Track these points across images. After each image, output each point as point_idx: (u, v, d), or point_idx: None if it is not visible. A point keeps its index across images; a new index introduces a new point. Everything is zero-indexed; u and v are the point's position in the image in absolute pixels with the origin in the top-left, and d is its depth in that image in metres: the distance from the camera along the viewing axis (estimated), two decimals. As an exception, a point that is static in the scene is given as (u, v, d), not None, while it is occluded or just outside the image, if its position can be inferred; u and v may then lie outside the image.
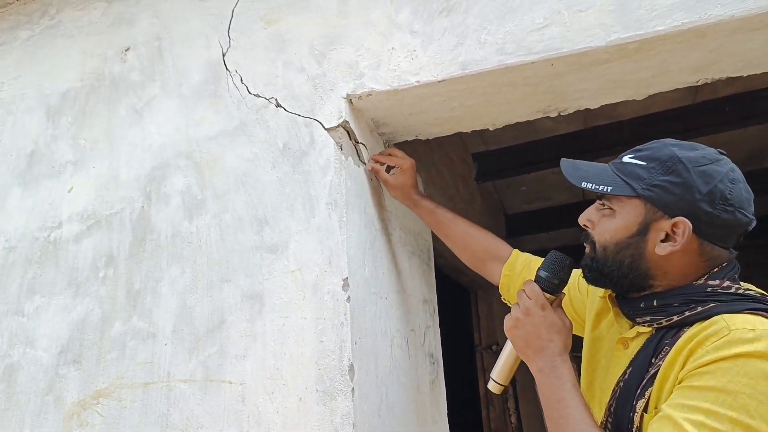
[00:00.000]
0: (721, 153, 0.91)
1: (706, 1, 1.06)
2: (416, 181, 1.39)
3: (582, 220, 0.98)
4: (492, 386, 1.02)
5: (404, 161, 1.35)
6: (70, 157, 1.45)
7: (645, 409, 0.83)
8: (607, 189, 0.90)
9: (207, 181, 1.29)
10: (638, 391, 0.84)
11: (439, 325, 1.73)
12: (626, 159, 0.93)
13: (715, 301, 0.84)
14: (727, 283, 0.86)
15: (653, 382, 0.83)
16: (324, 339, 1.11)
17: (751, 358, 0.74)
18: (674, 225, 0.87)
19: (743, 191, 0.88)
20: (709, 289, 0.86)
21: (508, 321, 0.96)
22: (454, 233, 1.35)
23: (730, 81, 1.26)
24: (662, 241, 0.88)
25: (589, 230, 0.97)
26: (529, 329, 0.92)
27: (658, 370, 0.83)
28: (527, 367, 0.94)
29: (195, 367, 1.17)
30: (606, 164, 0.96)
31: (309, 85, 1.29)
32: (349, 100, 1.26)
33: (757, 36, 1.10)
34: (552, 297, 0.96)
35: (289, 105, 1.28)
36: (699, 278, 0.88)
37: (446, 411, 1.62)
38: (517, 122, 1.44)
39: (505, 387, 1.03)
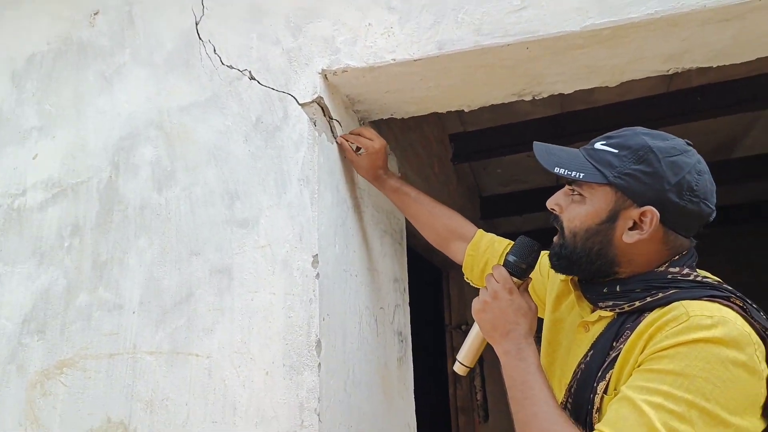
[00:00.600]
0: (689, 144, 0.93)
1: (680, -9, 1.07)
2: (385, 162, 1.38)
3: (550, 203, 1.00)
4: (458, 368, 1.04)
5: (373, 143, 1.34)
6: (35, 123, 1.41)
7: (605, 391, 0.85)
8: (580, 175, 0.91)
9: (177, 152, 1.27)
10: (599, 373, 0.87)
11: (410, 303, 1.75)
12: (598, 146, 0.94)
13: (675, 287, 0.87)
14: (686, 271, 0.90)
15: (614, 364, 0.85)
16: (292, 315, 1.11)
17: (708, 343, 0.77)
18: (642, 214, 0.89)
19: (708, 183, 0.90)
20: (669, 276, 0.89)
21: (475, 304, 0.97)
22: (419, 211, 1.36)
23: (703, 71, 1.29)
24: (630, 229, 0.90)
25: (558, 214, 0.99)
26: (496, 312, 0.94)
27: (619, 353, 0.85)
28: (493, 347, 0.96)
29: (162, 340, 1.16)
30: (577, 149, 0.97)
31: (284, 59, 1.27)
32: (324, 75, 1.25)
33: (728, 27, 1.12)
34: (519, 281, 0.98)
35: (263, 78, 1.26)
36: (660, 265, 0.91)
37: (413, 388, 1.65)
38: (493, 104, 1.44)
39: (471, 369, 1.05)
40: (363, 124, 1.49)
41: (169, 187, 1.26)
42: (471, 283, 1.36)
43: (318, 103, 1.24)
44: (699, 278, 0.89)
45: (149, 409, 1.13)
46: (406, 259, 1.76)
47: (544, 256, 1.11)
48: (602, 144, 0.94)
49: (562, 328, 1.03)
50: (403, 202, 1.38)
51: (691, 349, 0.77)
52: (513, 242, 1.28)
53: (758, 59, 1.24)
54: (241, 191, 1.21)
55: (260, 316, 1.13)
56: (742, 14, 1.09)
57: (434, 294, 3.93)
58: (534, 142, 1.00)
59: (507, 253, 1.00)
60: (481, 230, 1.33)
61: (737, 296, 0.85)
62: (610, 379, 0.85)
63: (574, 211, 0.95)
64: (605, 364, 0.87)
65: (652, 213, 0.88)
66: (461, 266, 1.34)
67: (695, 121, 3.29)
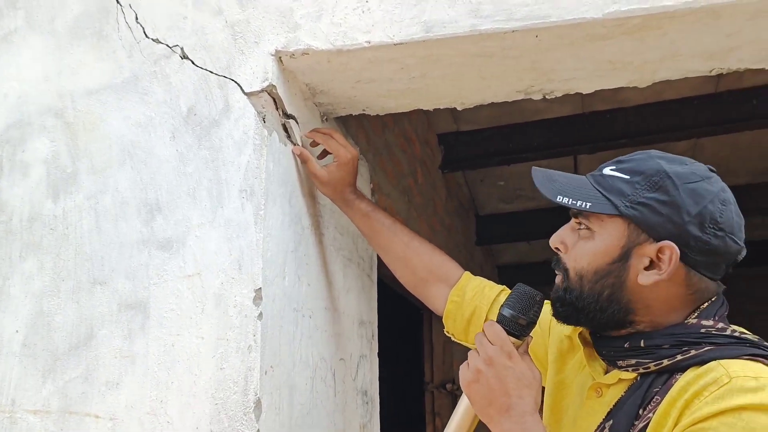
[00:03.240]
0: (712, 170, 0.99)
1: (724, -24, 1.14)
2: (356, 178, 1.42)
3: (554, 242, 1.05)
4: None
5: (344, 151, 1.37)
6: None
7: None
8: (586, 205, 0.97)
9: (82, 149, 1.29)
10: None
11: (380, 354, 1.78)
12: (607, 171, 1.01)
13: (709, 343, 0.92)
14: (721, 325, 0.95)
15: None
16: (225, 366, 1.12)
17: (756, 411, 0.82)
18: (660, 250, 0.95)
19: (734, 214, 0.97)
20: (702, 330, 0.94)
21: (465, 373, 0.97)
22: (392, 244, 1.39)
23: (756, 70, 1.36)
24: (645, 268, 0.96)
25: (561, 254, 1.04)
26: (492, 383, 0.94)
27: (648, 423, 0.89)
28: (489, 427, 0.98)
29: (50, 395, 1.16)
30: (584, 176, 1.04)
31: (227, 34, 1.30)
32: (279, 58, 1.28)
33: (783, 22, 1.19)
34: (518, 341, 0.99)
35: (199, 58, 1.29)
36: (687, 315, 0.96)
37: (379, 464, 1.67)
38: (493, 102, 1.50)
39: None
40: (326, 121, 1.52)
41: (69, 194, 1.26)
42: (453, 338, 1.40)
43: (269, 93, 1.26)
44: (736, 333, 0.94)
45: (29, 487, 1.12)
46: (376, 296, 1.79)
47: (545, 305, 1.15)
48: (612, 169, 1.01)
49: (569, 393, 1.07)
50: (373, 231, 1.41)
51: (737, 420, 0.81)
52: (507, 288, 1.32)
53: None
54: (164, 203, 1.23)
55: (182, 366, 1.14)
56: (801, 7, 1.16)
57: (412, 342, 3.96)
58: (533, 167, 1.06)
59: (502, 306, 1.02)
60: (468, 273, 1.37)
61: None
62: None
63: (581, 249, 1.01)
64: None
65: (671, 249, 0.94)
66: (442, 316, 1.38)
67: (747, 131, 3.43)
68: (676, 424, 0.87)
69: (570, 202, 0.98)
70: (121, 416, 1.13)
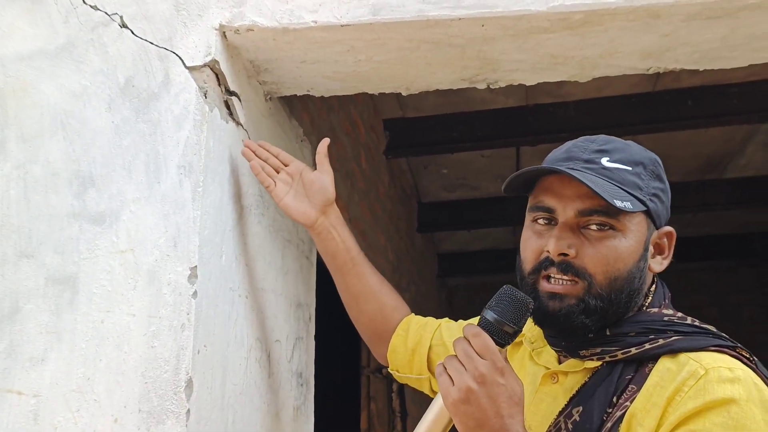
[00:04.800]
0: None
1: (665, -23, 1.17)
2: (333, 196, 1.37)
3: (561, 247, 0.97)
4: None
5: (323, 178, 1.34)
6: None
7: None
8: (626, 205, 0.94)
9: (11, 116, 1.24)
10: None
11: (316, 337, 1.78)
12: (607, 163, 0.99)
13: (674, 332, 0.97)
14: (680, 314, 1.01)
15: (619, 425, 0.92)
16: (156, 344, 1.11)
17: (742, 406, 0.86)
18: (659, 236, 1.03)
19: None
20: (666, 318, 0.99)
21: (451, 391, 0.89)
22: (363, 277, 1.37)
23: (694, 71, 1.41)
24: (652, 256, 1.02)
25: (571, 260, 0.98)
26: (484, 404, 0.88)
27: (626, 411, 0.93)
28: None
29: (-30, 371, 1.13)
30: (580, 171, 0.98)
31: (169, 5, 1.27)
32: (223, 33, 1.26)
33: (717, 25, 1.24)
34: (501, 351, 0.92)
35: (140, 28, 1.26)
36: (644, 301, 1.02)
37: (312, 446, 1.68)
38: (439, 89, 1.51)
39: None
40: (269, 100, 1.51)
41: (-4, 163, 1.22)
42: (397, 375, 1.39)
43: (212, 69, 1.25)
44: (696, 323, 0.99)
45: (-56, 466, 1.09)
46: (314, 278, 1.79)
47: None
48: (609, 161, 1.00)
49: None
50: (344, 262, 1.37)
51: (727, 418, 0.86)
52: (450, 320, 1.31)
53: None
54: (97, 176, 1.20)
55: (112, 343, 1.12)
56: (734, 12, 1.21)
57: (349, 326, 3.97)
58: (552, 166, 1.00)
59: (486, 309, 0.95)
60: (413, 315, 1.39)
61: (741, 347, 0.97)
62: None
63: (611, 250, 0.96)
64: (609, 426, 0.93)
65: (671, 234, 1.03)
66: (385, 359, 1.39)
67: (683, 130, 3.56)
68: (661, 422, 0.90)
69: (623, 205, 0.93)
70: (45, 393, 1.11)
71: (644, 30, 1.23)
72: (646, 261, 1.01)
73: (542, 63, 1.35)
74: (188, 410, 1.08)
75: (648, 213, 0.99)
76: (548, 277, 0.99)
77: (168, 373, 1.10)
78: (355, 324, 1.43)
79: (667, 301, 1.04)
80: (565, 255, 0.98)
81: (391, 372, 1.40)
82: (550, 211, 1.01)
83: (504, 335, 0.93)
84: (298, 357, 1.62)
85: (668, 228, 1.02)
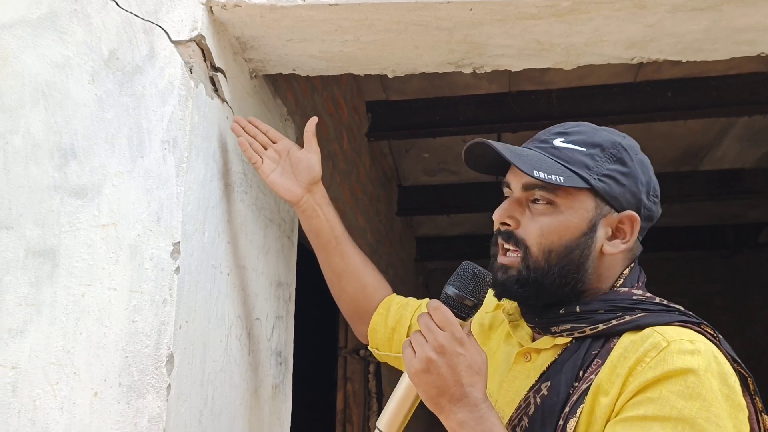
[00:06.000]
0: None
1: (652, -33, 1.19)
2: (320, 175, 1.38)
3: (501, 217, 1.04)
4: None
5: (310, 155, 1.36)
6: None
7: (575, 429, 0.93)
8: (559, 179, 0.98)
9: (-8, 86, 1.22)
10: (567, 409, 0.95)
11: (296, 317, 1.79)
12: (558, 143, 1.03)
13: (641, 309, 0.99)
14: (649, 294, 1.03)
15: (584, 398, 0.94)
16: (138, 318, 1.11)
17: (699, 375, 0.88)
18: (620, 220, 1.03)
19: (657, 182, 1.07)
20: (634, 297, 1.02)
21: (413, 362, 0.93)
22: (349, 257, 1.38)
23: (676, 62, 1.43)
24: (608, 238, 1.03)
25: (513, 230, 1.03)
26: (444, 373, 0.92)
27: (590, 384, 0.95)
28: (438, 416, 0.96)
29: (-53, 342, 1.12)
30: (532, 149, 1.05)
31: (156, -22, 1.25)
32: (210, 8, 1.25)
33: (701, 17, 1.26)
34: (463, 323, 0.96)
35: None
36: (616, 282, 1.04)
37: (289, 423, 1.69)
38: (424, 72, 1.51)
39: None
40: (255, 78, 1.50)
41: (-24, 133, 1.20)
42: (377, 353, 1.40)
43: (198, 44, 1.23)
44: (665, 302, 1.02)
45: None
46: (295, 258, 1.80)
47: None
48: (562, 141, 1.03)
49: (493, 362, 1.11)
50: (329, 237, 1.39)
51: (684, 387, 0.88)
52: (429, 300, 1.34)
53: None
54: (79, 149, 1.19)
55: (92, 317, 1.12)
56: (718, 5, 1.23)
57: (328, 307, 3.99)
58: (485, 140, 1.05)
59: (447, 284, 0.99)
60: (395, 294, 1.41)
61: (706, 323, 0.99)
62: (581, 414, 0.94)
63: (546, 222, 1.01)
64: (575, 398, 0.95)
65: (633, 218, 1.02)
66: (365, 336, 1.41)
67: (662, 121, 3.59)
68: (621, 391, 0.92)
69: (546, 177, 0.97)
70: (24, 365, 1.10)
71: (630, 19, 1.25)
72: (592, 240, 1.02)
73: (528, 49, 1.36)
74: (169, 385, 1.09)
75: (596, 193, 1.01)
76: (505, 251, 1.05)
77: (149, 348, 1.10)
78: (337, 302, 1.44)
79: (640, 283, 1.05)
80: (508, 225, 1.04)
81: (371, 350, 1.41)
82: (508, 186, 1.08)
83: (464, 308, 0.97)
84: (277, 336, 1.63)
85: (630, 212, 1.02)
